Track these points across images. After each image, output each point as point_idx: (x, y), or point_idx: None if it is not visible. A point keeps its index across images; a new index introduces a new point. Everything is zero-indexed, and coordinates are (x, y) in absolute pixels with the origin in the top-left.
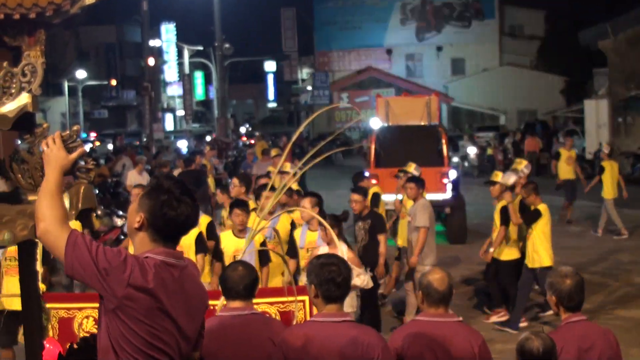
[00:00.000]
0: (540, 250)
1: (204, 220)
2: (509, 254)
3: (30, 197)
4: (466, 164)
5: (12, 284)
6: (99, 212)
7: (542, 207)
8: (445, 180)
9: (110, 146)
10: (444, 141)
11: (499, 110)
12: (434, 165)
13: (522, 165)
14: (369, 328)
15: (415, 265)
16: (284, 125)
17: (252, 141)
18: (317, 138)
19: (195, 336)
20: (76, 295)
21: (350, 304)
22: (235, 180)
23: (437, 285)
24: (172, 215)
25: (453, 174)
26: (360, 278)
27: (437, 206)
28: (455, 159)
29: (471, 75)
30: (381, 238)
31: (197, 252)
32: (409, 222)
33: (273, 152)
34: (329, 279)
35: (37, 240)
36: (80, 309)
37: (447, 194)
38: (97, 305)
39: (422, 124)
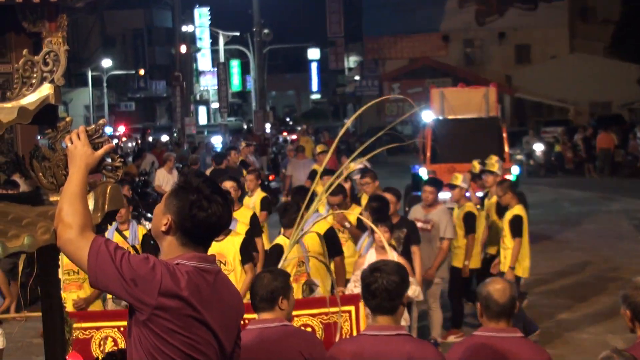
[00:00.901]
0: (524, 257)
1: (242, 227)
2: (473, 263)
3: (52, 198)
4: (531, 162)
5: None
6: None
7: (520, 209)
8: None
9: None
10: (504, 135)
11: (568, 102)
12: None
13: (494, 160)
14: (426, 343)
15: (432, 278)
16: (329, 119)
17: (294, 137)
18: (366, 133)
19: (232, 347)
20: (93, 314)
21: (403, 316)
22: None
23: (497, 296)
24: (203, 217)
25: (515, 170)
26: (412, 288)
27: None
28: (519, 157)
29: (537, 63)
30: (415, 250)
31: (244, 262)
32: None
33: (318, 149)
34: (364, 285)
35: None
36: (98, 328)
37: None
38: (116, 323)
39: (481, 116)
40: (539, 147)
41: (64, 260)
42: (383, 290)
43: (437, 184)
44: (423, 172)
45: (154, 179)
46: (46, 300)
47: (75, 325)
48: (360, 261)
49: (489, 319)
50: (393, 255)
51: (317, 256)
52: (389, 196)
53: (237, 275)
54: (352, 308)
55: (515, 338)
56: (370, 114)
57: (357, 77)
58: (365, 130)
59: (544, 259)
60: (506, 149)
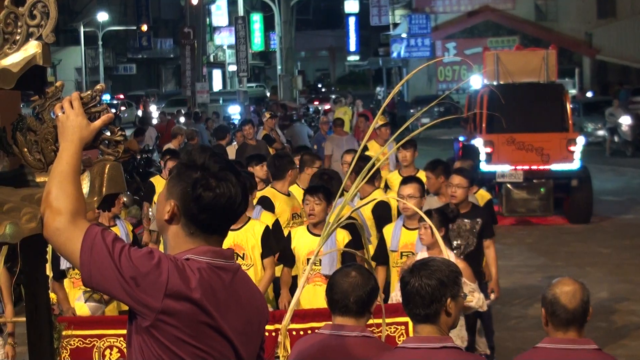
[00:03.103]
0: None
1: (267, 218)
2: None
3: (39, 178)
4: (616, 138)
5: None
6: (125, 200)
7: (487, 195)
8: (572, 148)
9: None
10: (567, 102)
11: None
12: (557, 131)
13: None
14: (478, 357)
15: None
16: (369, 86)
17: (327, 106)
18: (414, 103)
19: None
20: (94, 319)
21: (458, 334)
22: None
23: (565, 300)
24: (210, 198)
25: (581, 141)
26: (474, 296)
27: (562, 178)
28: (601, 132)
29: (624, 18)
30: (489, 244)
31: (264, 255)
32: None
33: (380, 121)
34: (401, 288)
35: None
36: (100, 336)
37: (574, 164)
38: (122, 332)
39: (539, 81)
40: (625, 121)
41: None
42: (415, 294)
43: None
44: (479, 143)
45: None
46: (31, 302)
47: (73, 332)
48: (410, 262)
49: (555, 327)
50: (449, 256)
51: (354, 251)
52: (458, 179)
53: (258, 272)
54: (408, 319)
55: (589, 350)
56: (420, 79)
57: (403, 35)
58: (412, 100)
59: (635, 256)
60: (570, 118)
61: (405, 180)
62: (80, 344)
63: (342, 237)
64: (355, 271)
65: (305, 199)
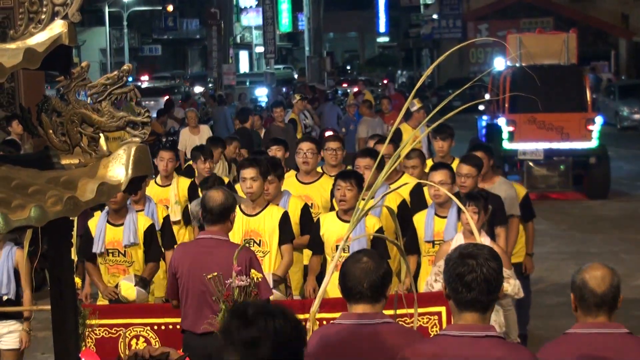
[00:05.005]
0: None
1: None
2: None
3: (65, 161)
4: None
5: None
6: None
7: (522, 190)
8: (590, 127)
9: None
10: (586, 83)
11: None
12: (577, 111)
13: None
14: (521, 347)
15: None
16: (398, 68)
17: (356, 88)
18: (445, 86)
19: None
20: (119, 308)
21: (496, 321)
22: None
23: (593, 284)
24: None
25: (599, 120)
26: (510, 283)
27: (580, 156)
28: (637, 116)
29: None
30: (500, 232)
31: (282, 241)
32: None
33: (417, 104)
34: (454, 275)
35: (72, 218)
36: (126, 325)
37: (593, 142)
38: (148, 320)
39: (560, 63)
40: None
41: (106, 237)
42: (482, 281)
43: (487, 149)
44: (502, 122)
45: None
46: (56, 286)
47: (99, 322)
48: (444, 249)
49: (585, 312)
50: (485, 242)
51: (384, 236)
52: (466, 168)
53: (273, 259)
54: (442, 309)
55: (620, 334)
56: (451, 62)
57: (435, 16)
58: (443, 83)
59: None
60: (589, 98)
61: (435, 167)
62: (105, 333)
63: (372, 223)
64: (366, 256)
65: (336, 184)
